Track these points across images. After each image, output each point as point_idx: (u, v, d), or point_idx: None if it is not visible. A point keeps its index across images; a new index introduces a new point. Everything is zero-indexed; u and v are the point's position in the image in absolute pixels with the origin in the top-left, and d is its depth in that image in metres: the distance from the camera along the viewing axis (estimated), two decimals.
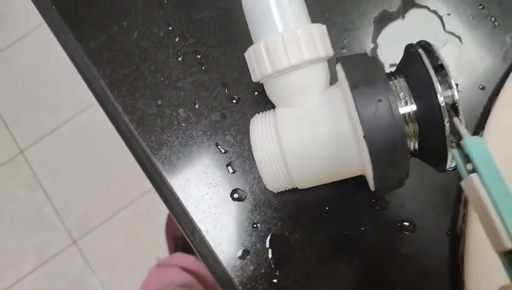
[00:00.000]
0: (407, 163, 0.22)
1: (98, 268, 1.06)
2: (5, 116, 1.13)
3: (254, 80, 0.25)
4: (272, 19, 0.24)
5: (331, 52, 0.25)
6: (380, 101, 0.21)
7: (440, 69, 0.21)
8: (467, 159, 0.20)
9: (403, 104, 0.22)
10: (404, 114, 0.22)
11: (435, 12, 0.31)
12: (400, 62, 0.24)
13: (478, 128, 0.29)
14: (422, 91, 0.21)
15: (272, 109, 0.26)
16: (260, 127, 0.24)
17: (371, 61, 0.22)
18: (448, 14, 0.30)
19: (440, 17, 0.30)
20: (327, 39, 0.25)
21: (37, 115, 1.12)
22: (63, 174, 1.09)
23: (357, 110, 0.20)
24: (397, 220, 0.28)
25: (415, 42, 0.23)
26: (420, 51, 0.22)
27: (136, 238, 1.06)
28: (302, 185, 0.25)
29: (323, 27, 0.25)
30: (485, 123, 0.28)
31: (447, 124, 0.20)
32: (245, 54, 0.25)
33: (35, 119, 1.12)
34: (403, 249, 0.28)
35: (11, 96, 1.13)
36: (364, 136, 0.20)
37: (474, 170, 0.19)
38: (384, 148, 0.21)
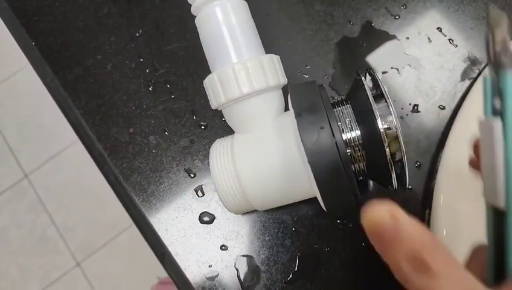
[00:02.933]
0: (353, 185, 0.22)
1: (100, 289, 1.07)
2: (10, 141, 1.16)
3: (212, 107, 0.27)
4: (226, 50, 0.25)
5: (283, 81, 0.26)
6: (322, 128, 0.22)
7: (383, 96, 0.22)
8: (498, 93, 0.16)
9: (348, 129, 0.23)
10: (348, 139, 0.23)
11: (394, 36, 0.32)
12: (349, 89, 0.25)
13: (439, 146, 0.30)
14: (365, 117, 0.22)
15: (231, 135, 0.27)
16: (218, 152, 0.26)
17: (317, 89, 0.23)
18: (407, 38, 0.32)
19: (399, 41, 0.32)
20: (279, 68, 0.26)
21: (41, 140, 1.15)
22: (66, 197, 1.11)
23: (301, 137, 0.21)
24: (362, 240, 0.29)
25: (368, 68, 0.25)
26: (363, 78, 0.23)
27: (138, 259, 1.07)
28: (259, 207, 0.26)
29: (276, 57, 0.26)
30: (445, 141, 0.29)
31: (387, 149, 0.21)
32: (203, 83, 0.27)
33: (40, 144, 1.15)
34: (369, 269, 0.28)
35: (17, 122, 1.17)
36: (308, 161, 0.21)
37: (499, 111, 0.16)
38: (328, 172, 0.22)
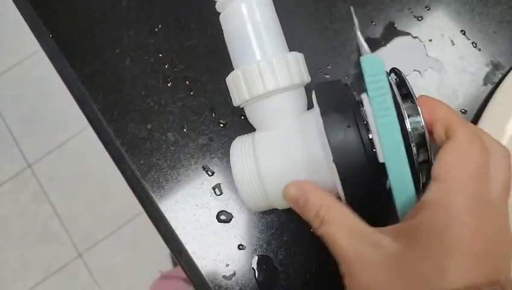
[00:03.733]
0: (379, 185, 0.22)
1: (102, 281, 1.07)
2: (14, 131, 1.15)
3: (235, 104, 0.26)
4: (251, 47, 0.25)
5: (307, 79, 0.26)
6: (348, 126, 0.21)
7: (409, 96, 0.22)
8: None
9: (368, 131, 0.22)
10: (374, 138, 0.22)
11: (417, 38, 0.31)
12: None
13: None
14: None
15: (252, 133, 0.27)
16: (239, 149, 0.25)
17: (343, 88, 0.23)
18: (430, 40, 0.31)
19: (422, 43, 0.31)
20: (303, 67, 0.26)
21: (45, 130, 1.14)
22: (69, 188, 1.11)
23: (327, 136, 0.21)
24: None
25: (394, 68, 0.24)
26: (390, 79, 0.23)
27: (141, 252, 1.07)
28: (279, 205, 0.26)
29: (300, 55, 0.26)
30: None
31: (414, 148, 0.21)
32: (226, 80, 0.27)
33: (44, 134, 1.14)
34: None
35: (20, 112, 1.16)
36: (333, 160, 0.21)
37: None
38: (353, 172, 0.21)
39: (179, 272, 0.80)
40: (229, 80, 0.26)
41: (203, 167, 0.30)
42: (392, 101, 0.21)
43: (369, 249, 0.20)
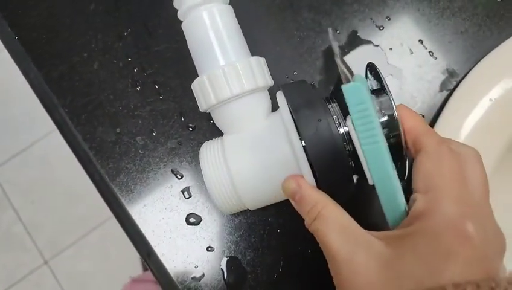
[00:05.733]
0: (351, 176, 0.23)
1: (69, 289, 1.05)
2: None
3: (201, 110, 0.27)
4: (214, 53, 0.26)
5: (270, 82, 0.27)
6: (320, 120, 0.22)
7: (382, 90, 0.23)
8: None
9: (337, 126, 0.24)
10: (344, 132, 0.23)
11: (378, 46, 0.33)
12: (334, 88, 0.26)
13: None
14: None
15: (220, 136, 0.27)
16: (209, 153, 0.26)
17: (310, 87, 0.24)
18: (390, 49, 0.33)
19: (383, 51, 0.33)
20: (266, 70, 0.27)
21: (8, 134, 1.11)
22: (34, 193, 1.08)
23: (299, 130, 0.22)
24: None
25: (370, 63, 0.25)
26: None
27: (108, 258, 1.05)
28: (252, 206, 0.26)
29: (262, 59, 0.27)
30: None
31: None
32: (191, 86, 0.27)
33: (6, 137, 1.10)
34: None
35: None
36: (307, 154, 0.22)
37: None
38: (327, 163, 0.22)
39: (150, 275, 0.80)
40: (195, 86, 0.27)
41: (172, 170, 0.30)
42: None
43: (361, 251, 0.20)
